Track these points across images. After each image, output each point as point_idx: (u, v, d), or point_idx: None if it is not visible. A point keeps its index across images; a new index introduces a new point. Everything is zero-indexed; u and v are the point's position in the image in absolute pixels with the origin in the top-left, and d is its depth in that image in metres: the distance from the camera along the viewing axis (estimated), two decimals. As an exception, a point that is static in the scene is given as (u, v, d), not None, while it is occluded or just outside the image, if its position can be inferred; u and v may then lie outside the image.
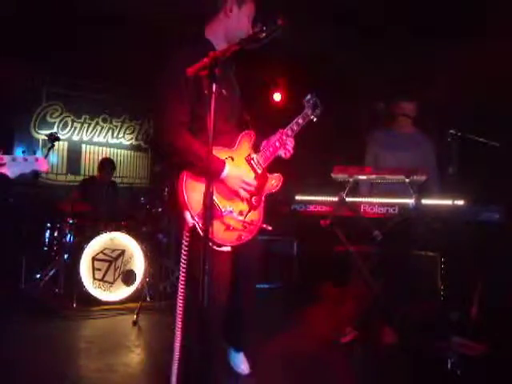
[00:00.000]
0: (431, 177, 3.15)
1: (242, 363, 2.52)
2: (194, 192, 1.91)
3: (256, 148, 2.18)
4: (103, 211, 4.84)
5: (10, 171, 1.80)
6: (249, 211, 2.06)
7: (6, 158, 1.79)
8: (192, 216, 1.89)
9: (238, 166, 2.05)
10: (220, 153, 1.99)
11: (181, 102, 1.95)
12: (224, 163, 1.95)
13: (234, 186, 1.98)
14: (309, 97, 2.37)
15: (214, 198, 1.88)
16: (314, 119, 2.36)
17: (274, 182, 2.20)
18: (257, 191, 2.09)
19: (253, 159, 2.12)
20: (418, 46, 4.36)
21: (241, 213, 2.02)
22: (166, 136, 1.97)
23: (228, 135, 2.06)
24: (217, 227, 1.89)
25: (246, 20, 2.10)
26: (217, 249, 1.93)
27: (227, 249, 1.97)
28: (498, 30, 3.66)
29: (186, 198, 1.90)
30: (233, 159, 2.03)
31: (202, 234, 1.85)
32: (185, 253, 1.98)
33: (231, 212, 1.96)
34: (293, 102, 6.07)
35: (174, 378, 2.02)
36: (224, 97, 1.99)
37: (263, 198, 2.15)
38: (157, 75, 2.03)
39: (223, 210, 1.95)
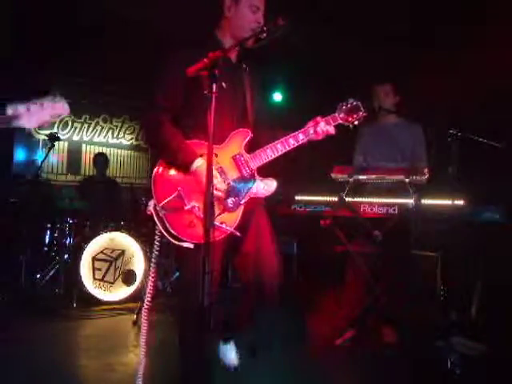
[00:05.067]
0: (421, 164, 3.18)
1: (230, 353, 2.34)
2: (162, 183, 1.94)
3: (251, 148, 2.08)
4: (102, 209, 4.84)
5: (29, 121, 1.67)
6: (222, 212, 1.94)
7: (20, 109, 1.65)
8: (155, 205, 1.90)
9: (221, 163, 1.99)
10: (203, 148, 1.92)
11: (169, 91, 2.00)
12: (194, 157, 1.90)
13: (202, 183, 1.89)
14: (351, 100, 2.15)
15: (182, 190, 1.90)
16: (350, 126, 2.16)
17: (265, 186, 2.05)
18: (233, 193, 1.97)
19: (240, 159, 2.03)
20: (418, 46, 4.37)
21: None
22: (146, 118, 2.07)
23: (221, 131, 1.98)
24: (179, 220, 1.88)
25: (248, 12, 2.05)
26: (177, 243, 1.87)
27: (188, 245, 1.89)
28: (499, 30, 3.66)
29: (153, 187, 1.93)
30: (216, 156, 1.96)
31: (158, 224, 1.90)
32: (157, 248, 2.03)
33: (194, 207, 1.89)
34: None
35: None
36: (224, 91, 1.97)
37: (244, 201, 2.00)
38: (157, 70, 2.06)
39: (187, 203, 1.89)
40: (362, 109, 2.15)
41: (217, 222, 1.89)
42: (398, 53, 4.48)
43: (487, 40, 3.78)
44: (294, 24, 1.76)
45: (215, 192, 1.87)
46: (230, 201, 1.95)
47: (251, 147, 2.09)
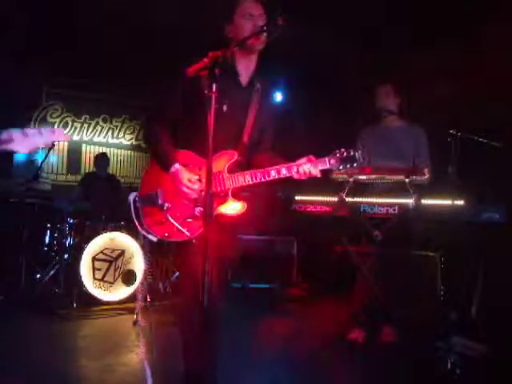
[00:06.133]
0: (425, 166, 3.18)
1: None
2: (149, 179, 2.16)
3: (236, 169, 2.13)
4: (103, 206, 4.83)
5: (21, 146, 1.63)
6: (188, 217, 2.07)
7: (14, 133, 1.62)
8: (135, 197, 2.09)
9: (201, 176, 2.07)
10: (190, 158, 2.10)
11: (175, 100, 2.11)
12: (173, 162, 2.04)
13: (177, 187, 2.04)
14: (349, 150, 2.05)
15: (161, 190, 2.07)
16: (340, 172, 2.20)
17: (235, 208, 2.10)
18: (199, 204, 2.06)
19: (219, 177, 2.10)
20: (419, 45, 4.37)
21: (176, 215, 2.06)
22: (148, 122, 2.25)
23: (216, 148, 1.96)
24: (152, 215, 2.08)
25: (243, 22, 2.07)
26: (143, 234, 2.08)
27: (153, 238, 2.08)
28: (499, 30, 3.66)
29: (141, 179, 2.17)
30: (200, 169, 2.08)
31: (131, 213, 2.08)
32: (146, 253, 2.15)
33: (166, 208, 2.05)
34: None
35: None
36: (223, 112, 2.00)
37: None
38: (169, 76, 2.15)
39: (160, 202, 2.06)
40: (359, 161, 2.06)
41: (179, 226, 2.05)
42: (398, 53, 4.48)
43: (487, 40, 3.78)
44: (293, 24, 1.76)
45: (188, 191, 2.02)
46: (198, 209, 2.06)
47: (241, 167, 2.15)
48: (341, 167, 2.07)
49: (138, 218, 2.09)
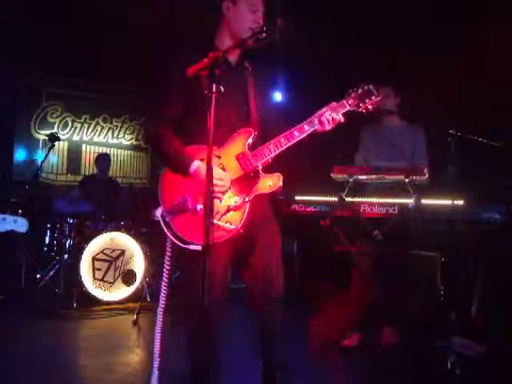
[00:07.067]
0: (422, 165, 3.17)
1: None
2: (168, 189, 1.98)
3: (256, 145, 2.06)
4: (102, 208, 4.84)
5: None
6: (226, 212, 1.95)
7: None
8: (162, 212, 1.94)
9: (224, 163, 1.99)
10: (204, 152, 1.91)
11: (173, 98, 2.03)
12: (190, 161, 1.93)
13: (202, 184, 1.87)
14: (362, 85, 2.06)
15: (187, 194, 1.93)
16: (363, 110, 2.06)
17: (271, 182, 2.01)
18: (238, 191, 1.98)
19: (243, 158, 2.01)
20: (418, 44, 4.37)
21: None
22: (151, 128, 2.12)
23: (223, 133, 1.97)
24: (185, 224, 1.91)
25: (247, 12, 2.04)
26: (184, 246, 1.91)
27: (195, 247, 1.90)
28: (499, 30, 3.66)
29: (160, 193, 1.98)
30: (219, 157, 1.98)
31: (164, 230, 1.93)
32: (168, 256, 2.08)
33: (199, 210, 1.91)
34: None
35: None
36: (222, 94, 1.97)
37: (249, 199, 1.98)
38: (159, 75, 2.08)
39: (192, 206, 1.93)
40: (375, 93, 2.05)
41: (221, 223, 1.91)
42: (398, 53, 4.48)
43: (487, 40, 3.78)
44: (292, 25, 1.76)
45: (219, 183, 1.89)
46: (234, 200, 1.96)
47: (260, 143, 2.07)
48: (361, 104, 2.05)
49: (172, 232, 1.94)
